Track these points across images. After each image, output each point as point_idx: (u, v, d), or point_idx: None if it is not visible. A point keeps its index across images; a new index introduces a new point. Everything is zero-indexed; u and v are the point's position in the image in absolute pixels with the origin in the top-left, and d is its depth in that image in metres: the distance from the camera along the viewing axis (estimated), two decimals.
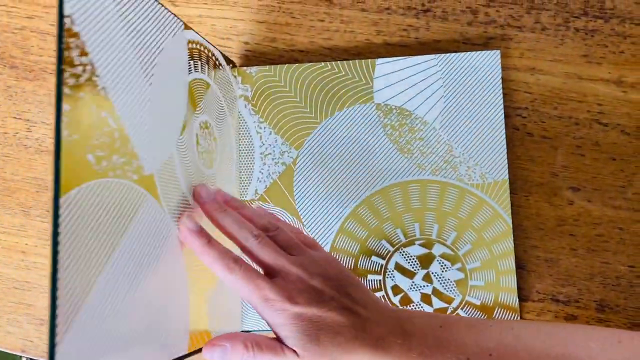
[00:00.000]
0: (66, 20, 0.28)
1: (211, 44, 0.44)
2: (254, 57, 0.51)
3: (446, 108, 0.47)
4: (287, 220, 0.47)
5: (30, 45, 0.53)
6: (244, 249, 0.37)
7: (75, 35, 0.29)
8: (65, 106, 0.28)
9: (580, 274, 0.46)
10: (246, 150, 0.48)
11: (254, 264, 0.37)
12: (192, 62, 0.40)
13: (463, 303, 0.45)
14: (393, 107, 0.47)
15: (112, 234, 0.31)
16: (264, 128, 0.48)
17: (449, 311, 0.45)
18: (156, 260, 0.34)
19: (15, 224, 0.52)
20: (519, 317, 0.45)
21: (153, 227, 0.34)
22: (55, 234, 0.26)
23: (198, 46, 0.41)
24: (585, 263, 0.46)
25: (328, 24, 0.50)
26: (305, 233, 0.43)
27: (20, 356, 0.75)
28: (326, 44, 0.50)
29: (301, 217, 0.47)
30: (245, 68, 0.49)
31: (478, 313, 0.45)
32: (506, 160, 0.46)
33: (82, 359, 0.27)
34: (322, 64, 0.48)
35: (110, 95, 0.31)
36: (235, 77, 0.49)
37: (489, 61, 0.47)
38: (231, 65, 0.49)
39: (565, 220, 0.46)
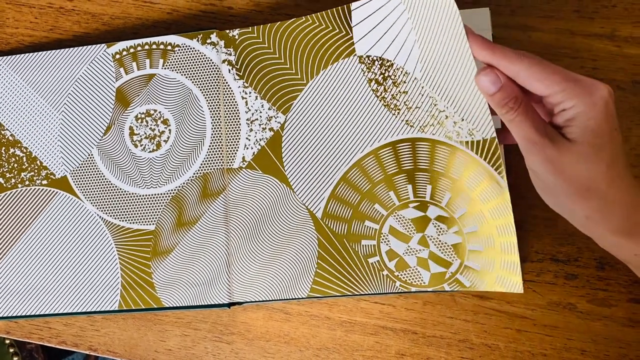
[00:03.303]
0: None
1: (158, 37, 0.48)
2: (238, 22, 0.49)
3: (423, 56, 0.43)
4: (276, 188, 0.46)
5: (5, 18, 0.51)
6: None
7: None
8: None
9: (579, 232, 0.44)
10: (231, 116, 0.47)
11: None
12: (122, 69, 0.48)
13: (462, 268, 0.43)
14: (374, 58, 0.44)
15: (17, 224, 0.47)
16: (250, 93, 0.47)
17: (447, 276, 0.43)
18: (75, 235, 0.47)
19: None
20: (521, 286, 0.42)
21: (67, 213, 0.47)
22: None
23: (130, 51, 0.48)
24: None
25: None
26: None
27: (4, 338, 0.73)
28: (313, 6, 0.48)
29: (291, 183, 0.46)
30: (227, 31, 0.47)
31: (478, 279, 0.43)
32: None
33: None
34: (303, 18, 0.46)
35: (18, 136, 0.48)
36: (216, 42, 0.47)
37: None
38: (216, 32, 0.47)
39: None
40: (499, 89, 0.35)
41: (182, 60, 0.47)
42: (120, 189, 0.47)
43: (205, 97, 0.47)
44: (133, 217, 0.47)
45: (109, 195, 0.47)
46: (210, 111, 0.47)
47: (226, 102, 0.47)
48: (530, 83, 0.34)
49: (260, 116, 0.46)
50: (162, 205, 0.46)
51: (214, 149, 0.46)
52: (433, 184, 0.44)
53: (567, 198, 0.35)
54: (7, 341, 0.74)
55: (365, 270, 0.44)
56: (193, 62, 0.47)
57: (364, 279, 0.44)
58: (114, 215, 0.47)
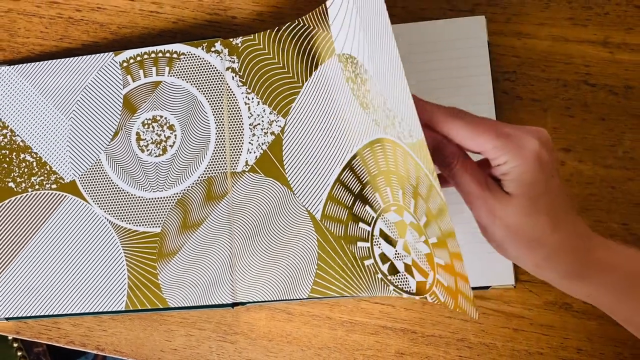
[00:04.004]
0: None
1: (164, 45, 0.50)
2: (242, 32, 0.51)
3: (371, 53, 0.39)
4: (277, 190, 0.47)
5: (17, 28, 0.53)
6: None
7: None
8: None
9: None
10: (235, 122, 0.48)
11: None
12: (129, 76, 0.50)
13: (435, 280, 0.39)
14: (347, 55, 0.44)
15: (27, 227, 0.49)
16: (252, 99, 0.48)
17: (427, 286, 0.40)
18: (83, 237, 0.48)
19: None
20: (476, 313, 0.34)
21: (75, 216, 0.48)
22: None
23: (137, 59, 0.50)
24: None
25: None
26: None
27: (12, 337, 0.75)
28: None
29: (292, 186, 0.47)
30: (231, 39, 0.49)
31: (448, 295, 0.37)
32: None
33: (8, 298, 0.48)
34: (296, 21, 0.47)
35: (28, 142, 0.50)
36: (221, 50, 0.49)
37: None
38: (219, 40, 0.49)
39: None
40: (435, 147, 0.35)
41: (188, 68, 0.49)
42: (127, 192, 0.48)
43: (210, 104, 0.48)
44: (140, 219, 0.48)
45: (116, 199, 0.48)
46: (215, 117, 0.48)
47: (230, 108, 0.48)
48: (461, 142, 0.34)
49: (262, 121, 0.48)
50: (167, 208, 0.48)
51: (218, 153, 0.48)
52: (402, 187, 0.40)
53: (514, 249, 0.35)
54: (15, 344, 0.76)
55: (362, 273, 0.45)
56: (198, 70, 0.49)
57: (361, 281, 0.45)
58: (121, 218, 0.48)
